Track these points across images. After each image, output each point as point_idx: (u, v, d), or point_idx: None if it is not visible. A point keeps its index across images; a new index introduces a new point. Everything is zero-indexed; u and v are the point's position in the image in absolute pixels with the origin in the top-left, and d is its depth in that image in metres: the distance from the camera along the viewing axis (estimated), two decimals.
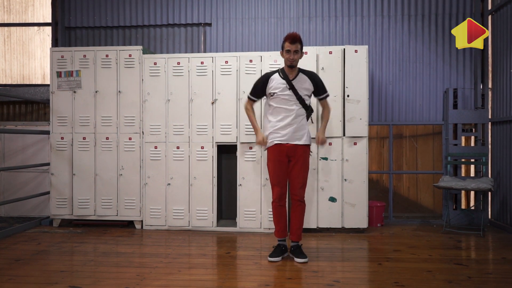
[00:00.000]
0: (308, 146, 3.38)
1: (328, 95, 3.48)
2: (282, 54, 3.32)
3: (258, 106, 4.22)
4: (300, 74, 3.35)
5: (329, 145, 4.22)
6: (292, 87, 3.29)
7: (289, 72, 3.33)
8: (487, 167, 4.72)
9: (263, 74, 3.54)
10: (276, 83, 3.33)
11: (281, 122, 3.30)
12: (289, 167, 3.36)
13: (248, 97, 3.53)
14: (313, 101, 3.55)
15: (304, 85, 3.33)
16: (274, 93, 3.31)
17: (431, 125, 4.96)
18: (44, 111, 5.37)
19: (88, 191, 4.48)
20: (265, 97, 3.47)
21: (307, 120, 3.43)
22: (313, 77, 3.39)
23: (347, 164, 4.22)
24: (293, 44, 3.22)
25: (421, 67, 4.95)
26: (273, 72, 3.42)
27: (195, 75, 4.34)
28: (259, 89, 3.44)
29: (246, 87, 4.25)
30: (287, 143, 3.30)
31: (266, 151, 3.50)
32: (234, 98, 4.28)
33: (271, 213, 3.73)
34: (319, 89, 3.42)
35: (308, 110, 3.40)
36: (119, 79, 4.45)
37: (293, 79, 3.32)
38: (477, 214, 4.68)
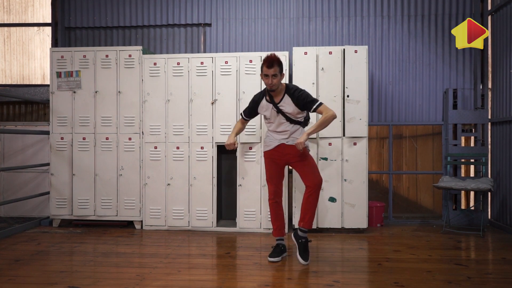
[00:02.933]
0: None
1: (319, 105, 3.20)
2: (261, 77, 3.21)
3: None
4: (285, 97, 3.23)
5: (329, 145, 4.23)
6: (280, 111, 3.26)
7: (274, 95, 3.27)
8: (486, 167, 4.72)
9: (254, 96, 3.44)
10: (265, 109, 3.34)
11: (278, 138, 3.36)
12: (293, 166, 3.40)
13: (241, 114, 3.59)
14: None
15: (290, 108, 3.24)
16: (267, 118, 3.37)
17: (430, 125, 4.96)
18: (44, 112, 5.37)
19: (88, 191, 4.47)
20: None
21: (304, 127, 3.45)
22: (295, 97, 3.21)
23: (347, 164, 4.22)
24: (270, 68, 3.09)
25: (421, 67, 4.96)
26: (260, 96, 3.37)
27: (195, 75, 4.34)
28: (251, 109, 3.46)
29: (246, 88, 4.25)
30: (282, 143, 3.34)
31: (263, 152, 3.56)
32: (234, 99, 4.28)
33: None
34: (306, 105, 3.23)
35: (303, 121, 3.39)
36: (119, 79, 4.45)
37: (279, 103, 3.25)
38: (477, 215, 4.68)
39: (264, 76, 3.16)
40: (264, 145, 3.47)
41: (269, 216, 3.56)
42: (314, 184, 3.23)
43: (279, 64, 3.14)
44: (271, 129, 3.38)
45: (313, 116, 4.03)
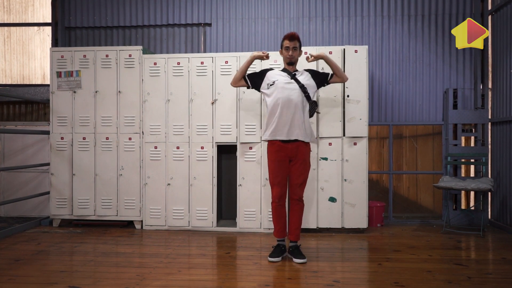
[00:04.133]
0: (309, 144, 3.40)
1: (332, 74, 3.49)
2: (281, 53, 3.41)
3: (258, 107, 4.23)
4: (300, 70, 3.46)
5: (329, 145, 4.22)
6: (294, 78, 3.36)
7: (289, 69, 3.42)
8: (487, 167, 4.72)
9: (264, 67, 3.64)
10: (277, 74, 3.41)
11: (282, 117, 3.27)
12: (290, 164, 3.36)
13: (243, 77, 3.55)
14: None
15: (305, 78, 3.39)
16: (274, 82, 3.33)
17: (431, 125, 4.96)
18: (44, 111, 5.37)
19: (88, 191, 4.47)
20: (262, 94, 3.49)
21: (311, 116, 3.43)
22: (311, 70, 3.51)
23: (347, 164, 4.22)
24: (291, 41, 3.33)
25: (421, 67, 4.95)
26: (273, 68, 3.55)
27: (195, 75, 4.34)
28: (257, 75, 3.50)
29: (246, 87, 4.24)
30: (288, 140, 3.29)
31: (266, 146, 3.46)
32: (234, 98, 4.28)
33: (271, 213, 3.73)
34: (321, 76, 3.49)
35: (312, 103, 3.39)
36: (119, 79, 4.45)
37: (294, 72, 3.42)
38: (477, 214, 4.68)
39: (284, 49, 3.36)
40: (267, 132, 3.34)
41: (270, 216, 3.56)
42: (300, 196, 3.37)
43: (299, 40, 3.38)
44: (278, 95, 3.27)
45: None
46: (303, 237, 3.96)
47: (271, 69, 3.52)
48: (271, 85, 3.35)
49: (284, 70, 3.43)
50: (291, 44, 3.32)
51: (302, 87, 3.31)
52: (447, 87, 4.89)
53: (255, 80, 3.50)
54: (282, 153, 3.31)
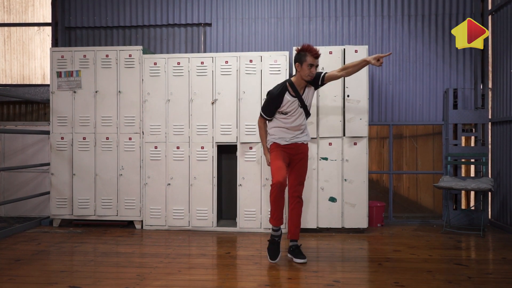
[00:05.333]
0: (307, 145, 3.45)
1: (325, 73, 3.30)
2: (298, 67, 3.20)
3: (258, 107, 4.22)
4: (307, 87, 3.34)
5: (329, 145, 4.22)
6: (303, 105, 3.31)
7: (301, 86, 3.28)
8: (487, 167, 4.72)
9: (272, 93, 3.29)
10: (288, 103, 3.26)
11: (287, 131, 3.35)
12: (291, 165, 3.38)
13: (261, 115, 3.42)
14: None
15: (310, 95, 3.37)
16: (287, 113, 3.29)
17: (431, 125, 4.96)
18: (44, 111, 5.37)
19: (88, 191, 4.48)
20: None
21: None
22: (313, 80, 3.32)
23: (347, 164, 4.22)
24: (317, 59, 3.18)
25: (421, 67, 4.95)
26: (282, 91, 3.26)
27: (195, 75, 4.34)
28: (273, 108, 3.32)
29: (246, 87, 4.25)
30: (290, 143, 3.36)
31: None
32: (234, 98, 4.28)
33: (269, 199, 3.56)
34: (317, 81, 3.30)
35: (309, 114, 3.45)
36: (119, 79, 4.45)
37: (303, 94, 3.31)
38: (477, 214, 4.68)
39: (308, 65, 3.16)
40: (274, 137, 3.35)
41: (270, 215, 3.54)
42: (300, 193, 3.38)
43: None
44: (286, 126, 3.31)
45: (313, 115, 4.02)
46: (303, 237, 3.96)
47: (282, 92, 3.25)
48: (284, 114, 3.30)
49: (294, 90, 3.25)
50: (316, 62, 3.17)
51: (305, 108, 3.34)
52: (447, 87, 4.89)
53: (272, 113, 3.34)
54: (284, 148, 3.36)
